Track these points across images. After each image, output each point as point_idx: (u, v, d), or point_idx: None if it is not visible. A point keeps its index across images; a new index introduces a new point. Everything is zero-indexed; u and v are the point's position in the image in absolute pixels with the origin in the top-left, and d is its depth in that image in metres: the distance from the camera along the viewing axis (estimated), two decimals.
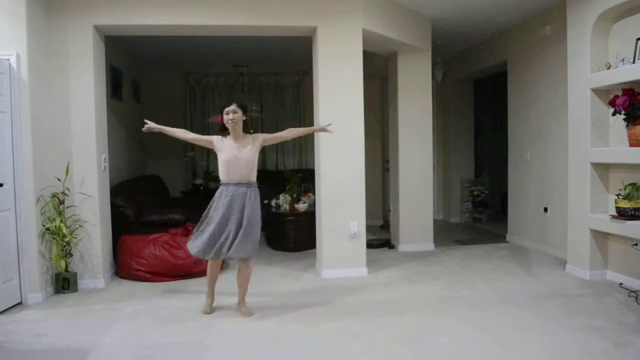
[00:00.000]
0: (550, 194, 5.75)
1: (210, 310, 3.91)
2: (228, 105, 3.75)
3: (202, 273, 4.97)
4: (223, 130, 3.83)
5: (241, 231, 3.66)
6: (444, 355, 3.08)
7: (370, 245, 5.78)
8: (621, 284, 4.39)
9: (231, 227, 3.68)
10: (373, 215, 7.63)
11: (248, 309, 3.88)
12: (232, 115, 3.72)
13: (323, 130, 4.14)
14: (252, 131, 8.00)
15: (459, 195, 8.35)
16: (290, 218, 6.17)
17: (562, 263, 5.15)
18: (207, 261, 4.98)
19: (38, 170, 4.29)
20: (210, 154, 8.61)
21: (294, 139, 8.13)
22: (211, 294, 3.96)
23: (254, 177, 3.79)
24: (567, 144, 4.93)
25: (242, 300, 3.93)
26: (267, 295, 4.40)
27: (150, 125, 3.85)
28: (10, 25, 4.11)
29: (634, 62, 4.18)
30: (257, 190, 3.82)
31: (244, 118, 3.79)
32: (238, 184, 3.72)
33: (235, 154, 3.72)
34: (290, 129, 4.11)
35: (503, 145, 7.17)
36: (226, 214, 3.69)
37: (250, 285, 4.71)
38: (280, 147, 8.65)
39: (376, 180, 8.13)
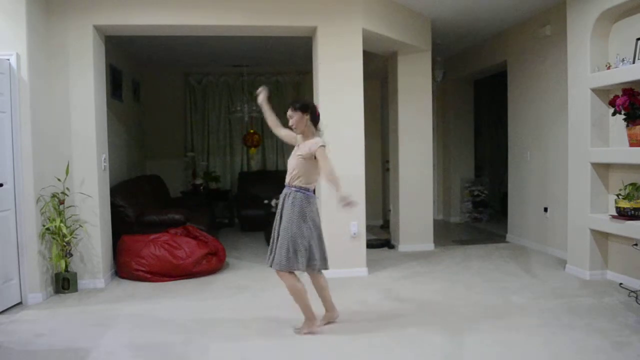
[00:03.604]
0: (550, 194, 5.75)
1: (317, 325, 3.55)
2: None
3: (202, 273, 5.00)
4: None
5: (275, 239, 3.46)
6: (444, 355, 3.08)
7: (370, 245, 5.77)
8: (621, 284, 4.39)
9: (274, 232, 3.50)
10: (373, 215, 7.63)
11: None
12: (289, 120, 3.49)
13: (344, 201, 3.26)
14: (252, 131, 8.11)
15: (459, 195, 8.35)
16: None
17: (562, 263, 5.15)
18: (206, 261, 5.02)
19: (38, 170, 4.29)
20: (210, 154, 8.62)
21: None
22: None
23: (300, 182, 3.43)
24: (567, 144, 4.93)
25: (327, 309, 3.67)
26: (266, 296, 4.40)
27: (264, 94, 3.60)
28: (10, 25, 4.11)
29: (634, 62, 4.18)
30: (299, 195, 3.41)
31: (307, 116, 3.44)
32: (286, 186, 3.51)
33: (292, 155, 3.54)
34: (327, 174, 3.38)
35: (503, 145, 7.17)
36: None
37: (249, 285, 4.73)
38: (280, 147, 8.65)
39: (376, 180, 8.13)
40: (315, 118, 3.51)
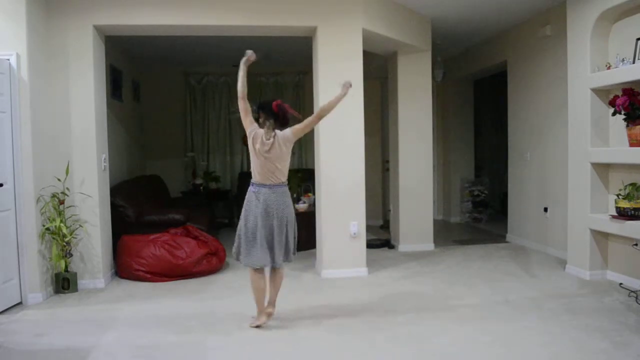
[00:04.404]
0: (550, 194, 5.75)
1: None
2: None
3: (202, 273, 5.00)
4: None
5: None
6: (444, 355, 3.08)
7: (370, 245, 5.78)
8: (621, 284, 4.39)
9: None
10: (373, 215, 7.63)
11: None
12: None
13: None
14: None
15: (459, 195, 8.35)
16: None
17: (562, 263, 5.15)
18: (206, 261, 5.02)
19: (38, 170, 4.29)
20: (210, 154, 8.62)
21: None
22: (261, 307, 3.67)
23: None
24: (567, 144, 4.93)
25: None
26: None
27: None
28: (10, 25, 4.10)
29: (634, 62, 4.18)
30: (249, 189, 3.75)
31: (257, 116, 3.83)
32: None
33: None
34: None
35: (503, 145, 7.17)
36: None
37: (249, 285, 4.72)
38: None
39: (376, 180, 8.12)
40: (270, 113, 3.77)
